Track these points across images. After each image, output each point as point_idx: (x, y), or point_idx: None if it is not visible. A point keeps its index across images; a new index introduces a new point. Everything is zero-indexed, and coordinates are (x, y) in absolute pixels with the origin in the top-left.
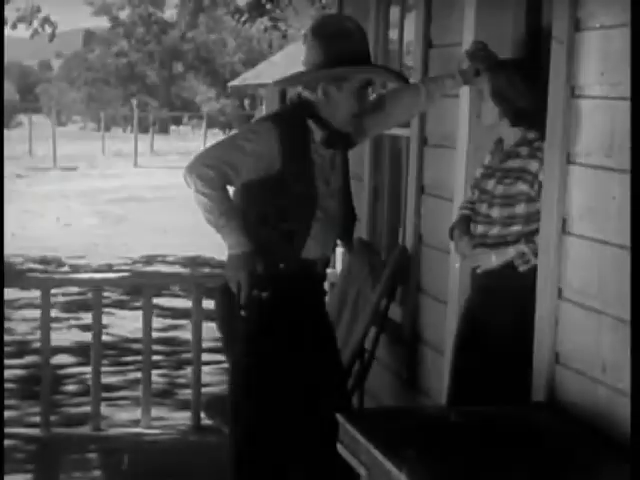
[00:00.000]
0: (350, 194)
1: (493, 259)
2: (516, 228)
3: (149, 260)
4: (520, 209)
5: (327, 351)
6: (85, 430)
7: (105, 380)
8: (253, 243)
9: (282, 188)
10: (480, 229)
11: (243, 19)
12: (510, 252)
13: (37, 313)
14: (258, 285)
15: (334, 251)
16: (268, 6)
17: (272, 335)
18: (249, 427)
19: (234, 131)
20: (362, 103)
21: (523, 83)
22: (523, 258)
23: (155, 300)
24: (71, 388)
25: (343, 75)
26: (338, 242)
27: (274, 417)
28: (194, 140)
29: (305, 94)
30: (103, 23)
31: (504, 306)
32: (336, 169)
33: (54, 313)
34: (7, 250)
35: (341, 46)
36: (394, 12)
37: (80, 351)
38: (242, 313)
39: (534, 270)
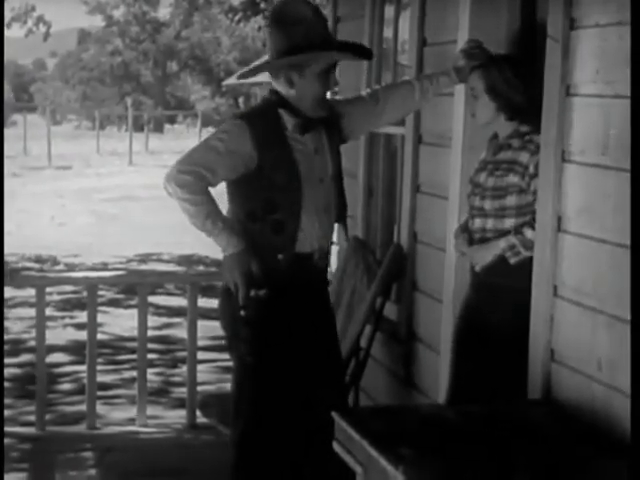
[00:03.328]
0: (342, 184)
1: (486, 254)
2: (509, 220)
3: (144, 258)
4: (511, 201)
5: (326, 347)
6: (80, 429)
7: (100, 379)
8: (244, 242)
9: (265, 180)
10: (477, 223)
11: (237, 18)
12: (500, 245)
13: (32, 312)
14: (255, 284)
15: (330, 241)
16: (262, 5)
17: (272, 335)
18: (252, 425)
19: None
20: (327, 86)
21: (516, 77)
22: (513, 250)
23: (150, 298)
24: (66, 387)
25: (300, 63)
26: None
27: (276, 415)
28: (189, 139)
29: (274, 86)
30: (97, 22)
31: (503, 304)
32: (320, 155)
33: (49, 312)
34: None
35: (298, 32)
36: (389, 10)
37: (75, 350)
38: (242, 313)
39: (530, 266)
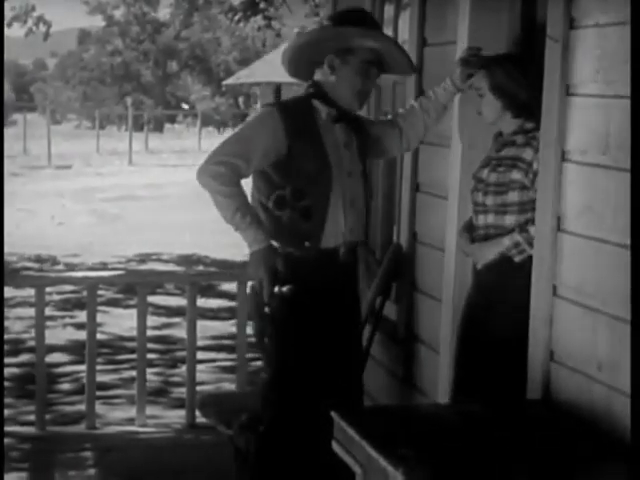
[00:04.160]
0: (367, 182)
1: (487, 252)
2: (510, 217)
3: (143, 258)
4: (513, 197)
5: (348, 345)
6: (80, 428)
7: (100, 378)
8: (270, 239)
9: (295, 168)
10: (480, 219)
11: (237, 18)
12: (505, 242)
13: (32, 311)
14: (280, 281)
15: (358, 238)
16: (262, 5)
17: (297, 332)
18: (276, 423)
19: (229, 129)
20: (366, 81)
21: (519, 74)
22: (518, 248)
23: (149, 298)
24: (66, 386)
25: (348, 41)
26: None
27: (299, 413)
28: (189, 138)
29: (315, 77)
30: (98, 22)
31: (504, 302)
32: (350, 151)
33: (49, 311)
34: None
35: (348, 19)
36: (388, 10)
37: (75, 349)
38: (267, 310)
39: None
